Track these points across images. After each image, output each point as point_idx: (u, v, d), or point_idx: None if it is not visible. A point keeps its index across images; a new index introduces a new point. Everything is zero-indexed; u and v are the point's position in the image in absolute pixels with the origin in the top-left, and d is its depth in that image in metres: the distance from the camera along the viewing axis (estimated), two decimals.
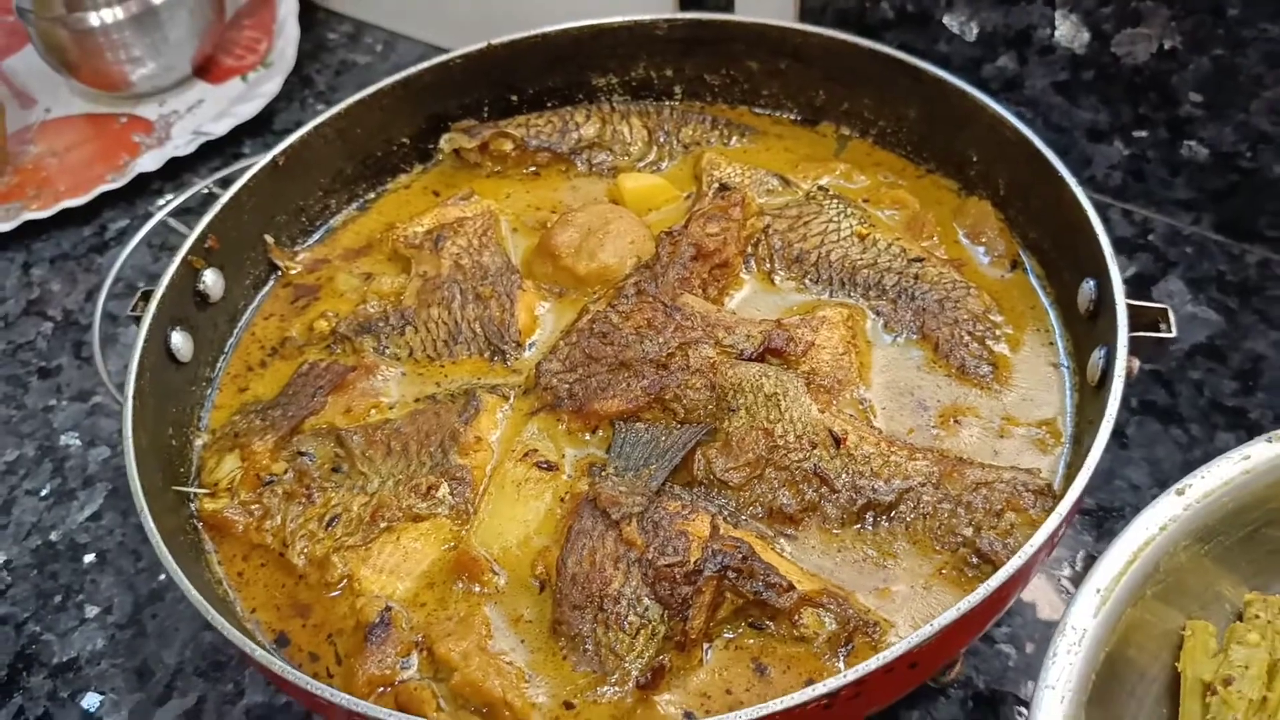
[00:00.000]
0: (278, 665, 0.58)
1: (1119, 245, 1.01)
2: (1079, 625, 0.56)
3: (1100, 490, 0.84)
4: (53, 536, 0.91)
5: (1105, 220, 1.03)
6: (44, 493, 0.95)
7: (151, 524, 0.65)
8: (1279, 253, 0.98)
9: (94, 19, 1.23)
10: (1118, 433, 0.87)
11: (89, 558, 0.90)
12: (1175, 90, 0.95)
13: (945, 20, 1.02)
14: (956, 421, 0.72)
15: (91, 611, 0.86)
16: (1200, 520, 0.61)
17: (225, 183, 0.90)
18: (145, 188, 1.21)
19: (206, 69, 1.35)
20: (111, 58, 1.27)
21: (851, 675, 0.53)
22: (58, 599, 0.87)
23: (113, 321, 1.06)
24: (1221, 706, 0.57)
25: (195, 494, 0.74)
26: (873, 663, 0.53)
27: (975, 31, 1.01)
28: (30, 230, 1.18)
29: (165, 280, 0.79)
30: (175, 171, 1.22)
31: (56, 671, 0.83)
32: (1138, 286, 0.98)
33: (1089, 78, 0.98)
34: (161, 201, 1.20)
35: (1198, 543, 0.61)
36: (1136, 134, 0.99)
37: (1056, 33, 0.97)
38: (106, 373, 0.83)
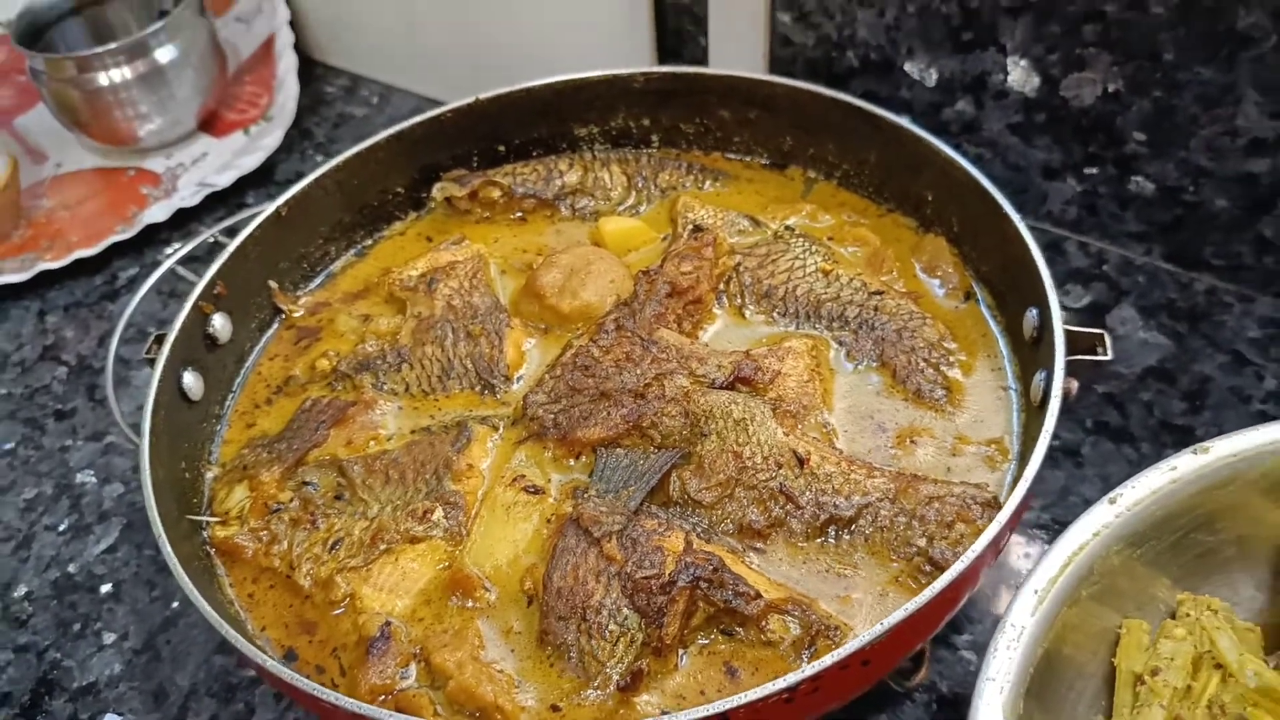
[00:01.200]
0: (288, 675, 0.63)
1: (1076, 275, 1.07)
2: (1017, 623, 0.62)
3: (1056, 506, 0.89)
4: (71, 569, 0.97)
5: (1062, 252, 1.09)
6: (62, 528, 1.00)
7: (169, 550, 0.71)
8: (1225, 280, 1.04)
9: (104, 79, 1.29)
10: (1073, 452, 0.93)
11: (105, 588, 0.95)
12: (1120, 130, 1.01)
13: (906, 67, 1.09)
14: (913, 441, 0.78)
15: (109, 638, 0.91)
16: (1131, 527, 0.66)
17: (230, 232, 0.96)
18: (154, 237, 1.27)
19: (210, 123, 1.41)
20: (120, 115, 1.33)
21: (809, 671, 0.59)
22: (77, 627, 0.92)
23: (124, 365, 1.12)
24: (1149, 694, 0.62)
25: (208, 522, 0.80)
26: (827, 660, 0.59)
27: (934, 78, 1.08)
28: (45, 280, 1.24)
29: (177, 324, 0.85)
30: (182, 221, 1.28)
31: (77, 695, 0.88)
32: (1093, 314, 1.04)
33: (1041, 120, 1.05)
34: (169, 250, 1.26)
35: (1129, 547, 0.66)
36: (1087, 171, 1.05)
37: (1009, 78, 1.04)
38: (120, 413, 0.89)
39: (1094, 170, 1.05)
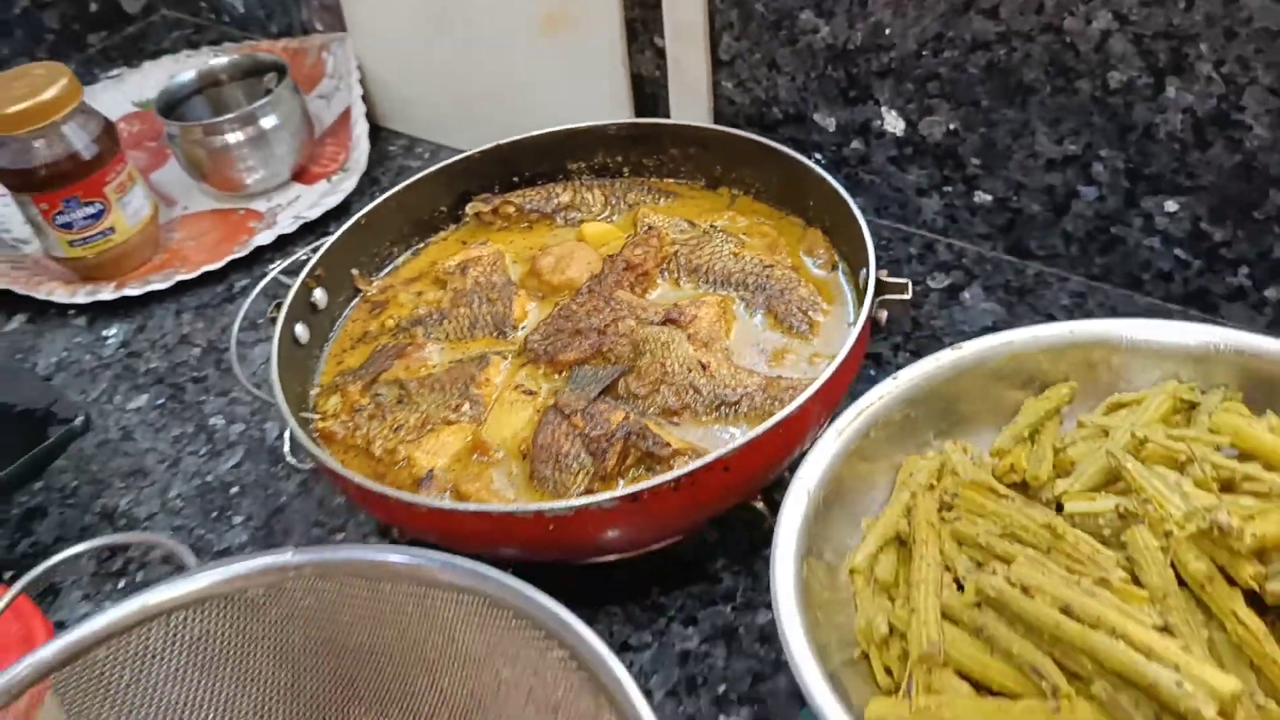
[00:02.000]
0: (365, 482, 1.01)
1: (941, 266, 1.44)
2: (825, 447, 0.98)
3: None
4: (209, 478, 1.35)
5: (933, 250, 1.46)
6: (201, 452, 1.38)
7: (296, 427, 1.09)
8: (1046, 265, 1.40)
9: (222, 140, 1.71)
10: None
11: (234, 489, 1.32)
12: (962, 157, 1.39)
13: (815, 117, 1.48)
14: (783, 358, 1.15)
15: (237, 520, 1.29)
16: (908, 394, 1.02)
17: (317, 250, 1.36)
18: (261, 256, 1.67)
19: (300, 174, 1.82)
20: (233, 168, 1.74)
21: (683, 470, 0.95)
22: (214, 514, 1.30)
23: (242, 346, 1.51)
24: (903, 488, 0.98)
25: (313, 418, 1.19)
26: (696, 463, 0.96)
27: (834, 125, 1.47)
28: (180, 288, 1.64)
29: (291, 294, 1.24)
30: (283, 244, 1.69)
31: (216, 555, 1.26)
32: (951, 292, 1.40)
33: (909, 152, 1.42)
34: (273, 265, 1.66)
35: (907, 407, 1.02)
36: (945, 189, 1.43)
37: (884, 123, 1.42)
38: (242, 377, 1.27)
39: (949, 188, 1.42)
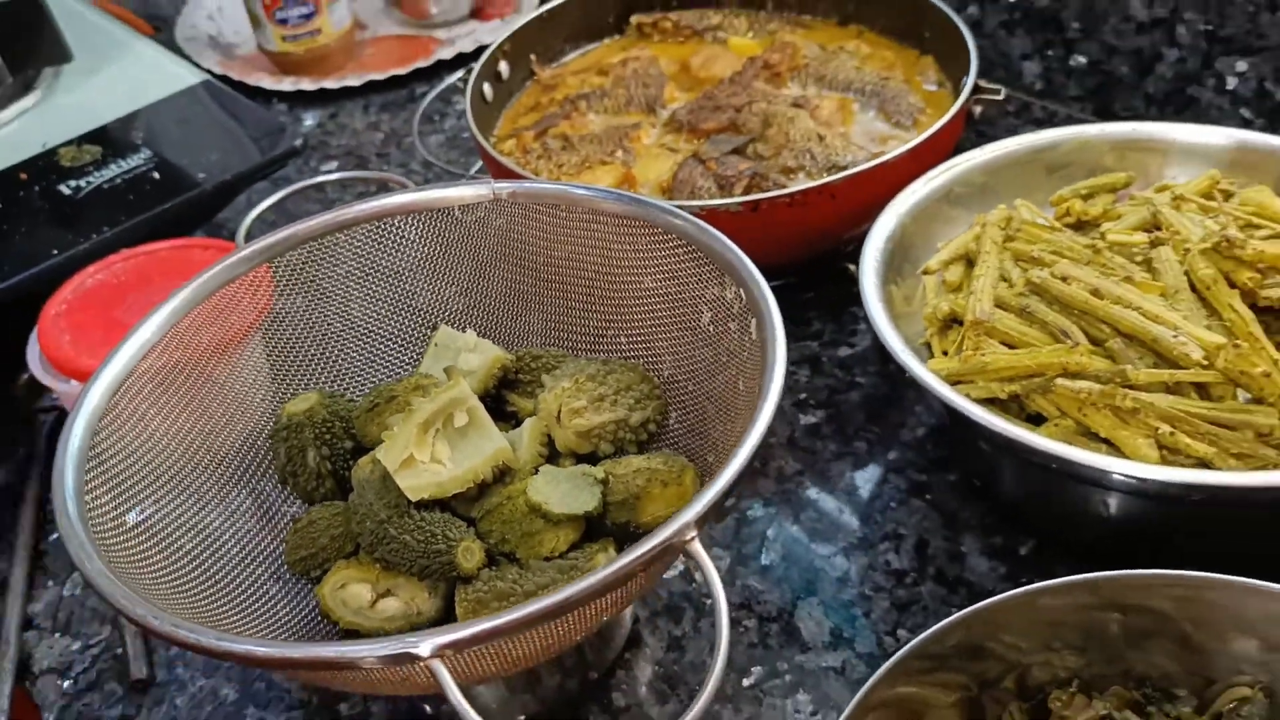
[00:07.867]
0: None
1: (1035, 123, 1.64)
2: (914, 187, 1.20)
3: None
4: None
5: (1029, 109, 1.67)
6: None
7: (493, 150, 1.34)
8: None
9: None
10: None
11: None
12: (1064, 22, 1.59)
13: None
14: (887, 142, 1.37)
15: None
16: (991, 164, 1.23)
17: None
18: (440, 70, 1.95)
19: (478, 12, 2.09)
20: None
21: (796, 188, 1.18)
22: None
23: (419, 136, 1.78)
24: (975, 225, 1.19)
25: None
26: (808, 184, 1.18)
27: None
28: (369, 88, 1.92)
29: (483, 59, 1.50)
30: (461, 61, 1.95)
31: None
32: None
33: (1018, 17, 1.63)
34: (451, 76, 1.93)
35: (989, 176, 1.24)
36: (1046, 52, 1.63)
37: None
38: (422, 150, 1.53)
39: (1050, 51, 1.62)
